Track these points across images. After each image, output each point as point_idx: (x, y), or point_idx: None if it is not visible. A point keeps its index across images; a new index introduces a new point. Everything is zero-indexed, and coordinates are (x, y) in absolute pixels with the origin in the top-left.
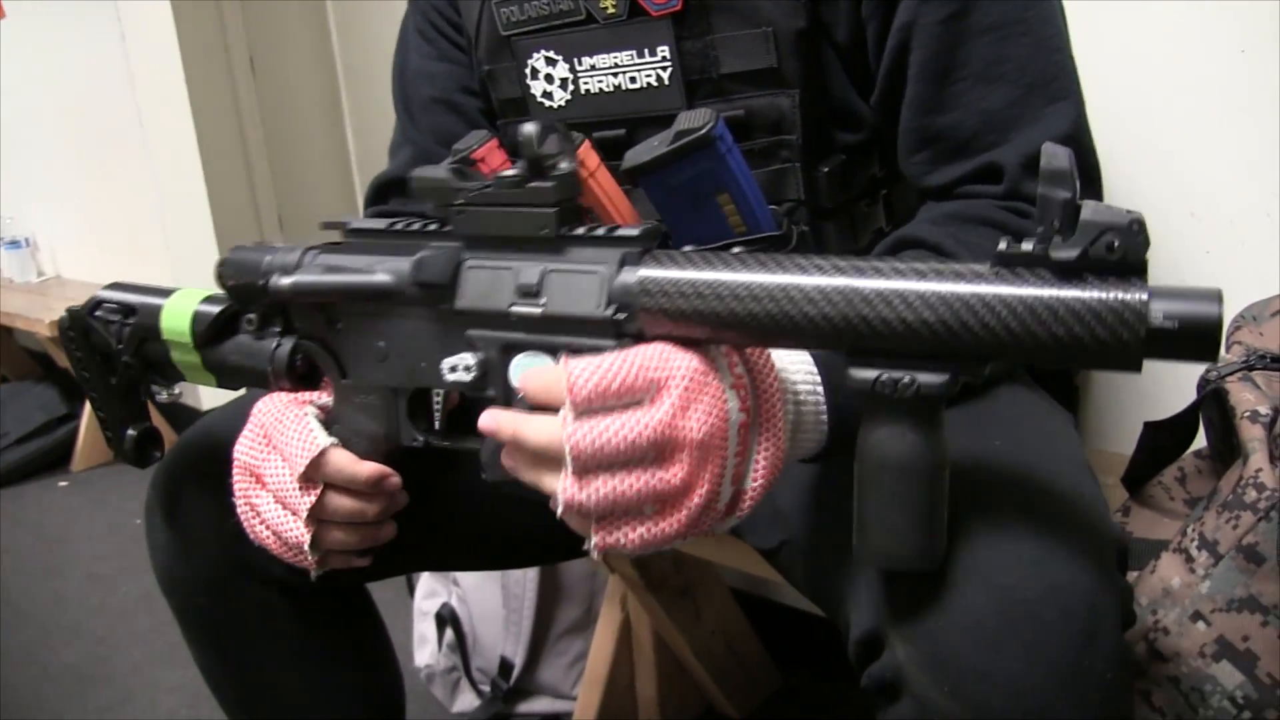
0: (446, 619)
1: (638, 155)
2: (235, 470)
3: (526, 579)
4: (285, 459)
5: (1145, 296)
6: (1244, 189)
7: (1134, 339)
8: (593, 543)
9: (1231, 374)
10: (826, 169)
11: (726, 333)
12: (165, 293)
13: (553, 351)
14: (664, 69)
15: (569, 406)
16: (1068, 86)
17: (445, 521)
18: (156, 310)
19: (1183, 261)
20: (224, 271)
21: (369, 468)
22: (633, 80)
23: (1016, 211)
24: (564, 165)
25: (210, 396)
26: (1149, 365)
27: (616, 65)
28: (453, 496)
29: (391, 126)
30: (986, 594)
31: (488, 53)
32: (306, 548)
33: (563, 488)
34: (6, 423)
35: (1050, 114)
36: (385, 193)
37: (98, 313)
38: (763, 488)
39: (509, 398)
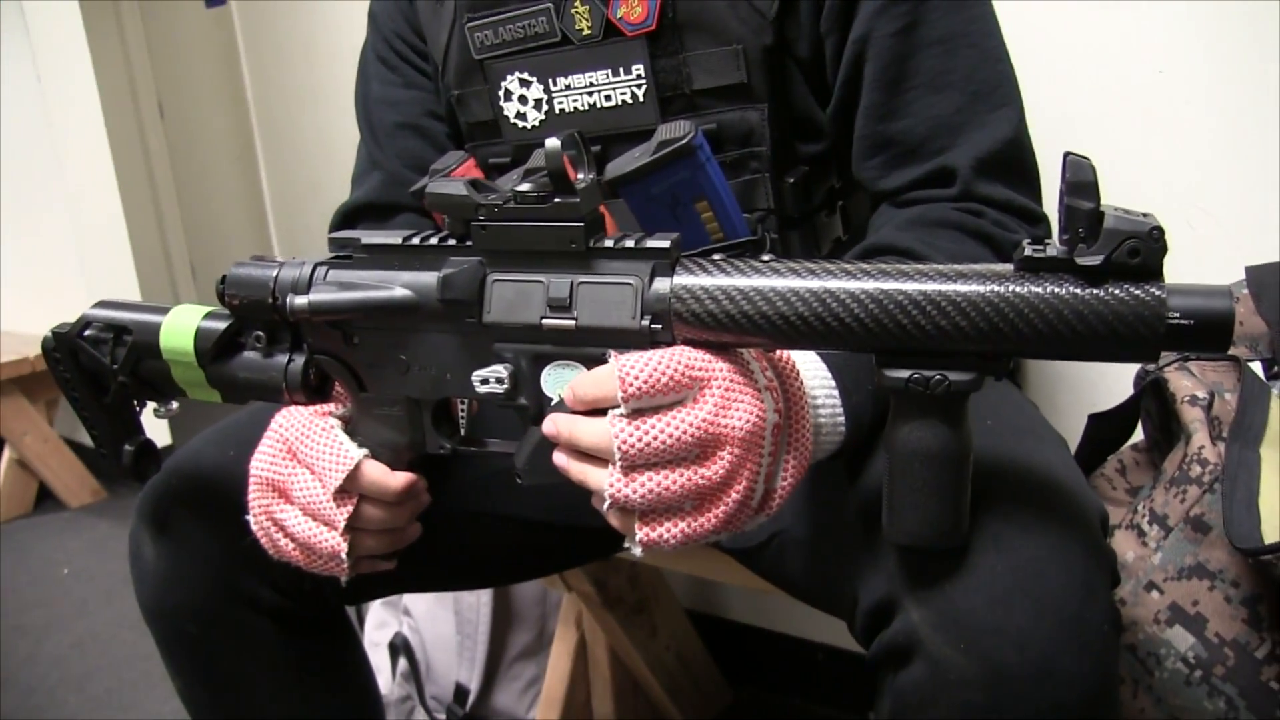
0: (399, 648)
1: (620, 166)
2: (254, 486)
3: (480, 604)
4: (315, 473)
5: (1164, 296)
6: (1166, 202)
7: (1153, 335)
8: (638, 539)
9: (1169, 365)
10: (791, 179)
11: (757, 337)
12: (159, 310)
13: (585, 361)
14: (639, 86)
15: (620, 399)
16: (1009, 94)
17: (431, 544)
18: (155, 328)
19: None
20: (227, 290)
21: (401, 478)
22: (608, 98)
23: (972, 212)
24: (582, 176)
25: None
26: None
27: (592, 84)
28: (437, 518)
29: (307, 170)
30: (999, 556)
31: (457, 76)
32: (344, 555)
33: (610, 484)
34: None
35: (995, 119)
36: (354, 218)
37: (86, 333)
38: (791, 486)
39: (541, 405)
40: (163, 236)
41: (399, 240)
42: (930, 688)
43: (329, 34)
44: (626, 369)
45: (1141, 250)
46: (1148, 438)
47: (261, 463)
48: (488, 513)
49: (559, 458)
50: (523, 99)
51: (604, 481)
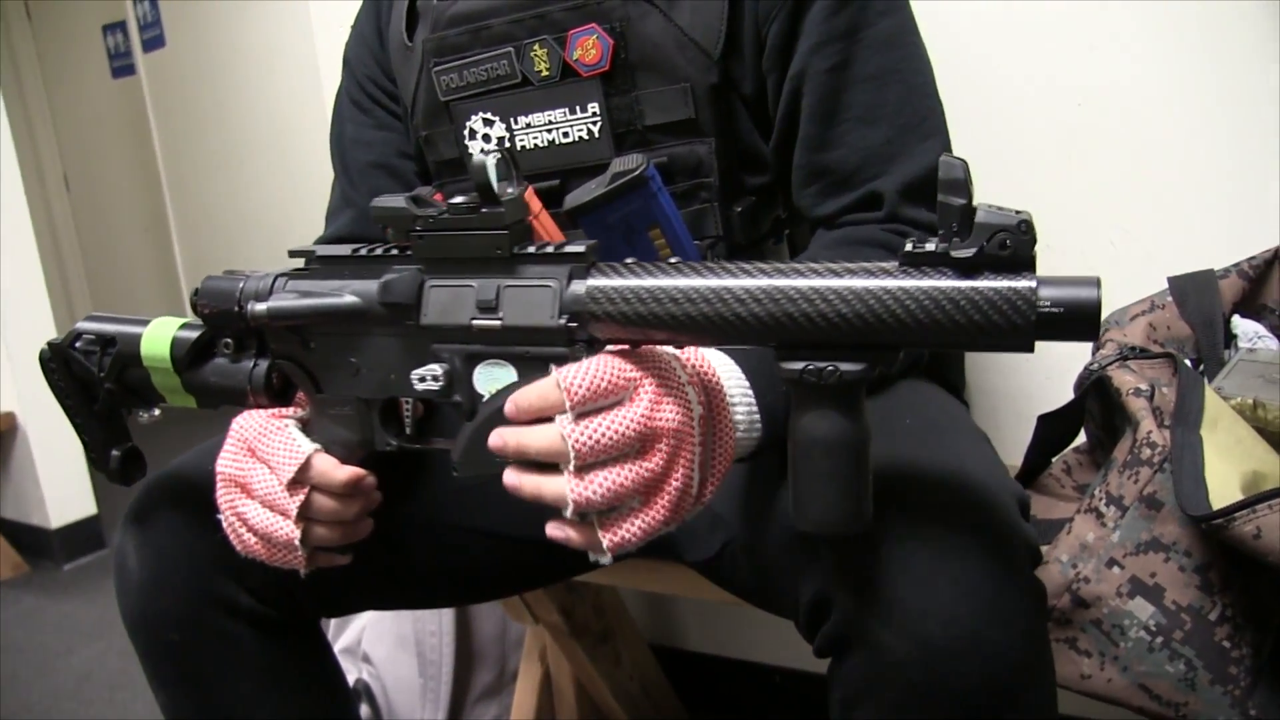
0: (360, 694)
1: (578, 196)
2: (220, 484)
3: (443, 645)
4: (272, 467)
5: (1034, 285)
6: (1090, 224)
7: (1026, 323)
8: (604, 545)
9: (1110, 364)
10: (739, 209)
11: (663, 333)
12: (143, 322)
13: (512, 359)
14: (594, 124)
15: (568, 406)
16: (936, 125)
17: (405, 557)
18: (137, 338)
19: None
20: (199, 300)
21: (347, 471)
22: (565, 135)
23: (898, 232)
24: (511, 190)
25: None
26: (1031, 371)
27: (550, 122)
28: (411, 531)
29: (222, 238)
30: (919, 544)
31: (425, 118)
32: (297, 542)
33: (570, 488)
34: None
35: (922, 150)
36: None
37: (78, 344)
38: (722, 472)
39: (474, 401)
40: (70, 307)
41: (349, 252)
42: (872, 672)
43: (242, 100)
44: (569, 378)
45: (1011, 242)
46: (1090, 438)
47: (225, 461)
48: (461, 526)
49: (509, 478)
50: (486, 137)
51: (563, 487)
